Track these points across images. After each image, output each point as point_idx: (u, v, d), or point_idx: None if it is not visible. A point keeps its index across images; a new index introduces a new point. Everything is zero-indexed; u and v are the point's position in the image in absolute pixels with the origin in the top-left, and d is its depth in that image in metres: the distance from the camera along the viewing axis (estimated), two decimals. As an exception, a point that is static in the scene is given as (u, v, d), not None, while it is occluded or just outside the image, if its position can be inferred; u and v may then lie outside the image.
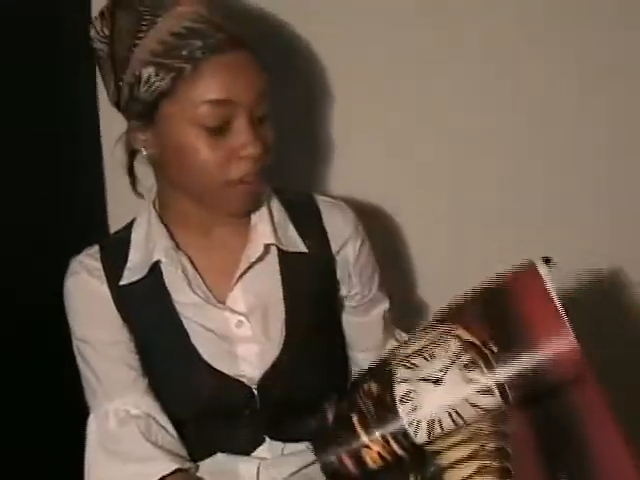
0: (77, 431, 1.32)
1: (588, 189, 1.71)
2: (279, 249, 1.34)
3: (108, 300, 1.31)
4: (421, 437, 1.05)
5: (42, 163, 1.58)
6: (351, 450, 1.08)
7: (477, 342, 1.04)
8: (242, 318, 1.32)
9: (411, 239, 1.76)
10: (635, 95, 1.67)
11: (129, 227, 1.38)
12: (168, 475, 1.25)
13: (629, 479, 1.01)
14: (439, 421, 1.04)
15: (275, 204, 1.37)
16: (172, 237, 1.33)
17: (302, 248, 1.35)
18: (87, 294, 1.32)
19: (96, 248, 1.35)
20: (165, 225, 1.34)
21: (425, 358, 1.06)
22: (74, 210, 1.62)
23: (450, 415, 1.04)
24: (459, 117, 1.68)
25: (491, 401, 1.03)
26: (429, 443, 1.05)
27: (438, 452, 1.07)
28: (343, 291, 1.42)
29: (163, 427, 1.30)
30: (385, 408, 1.06)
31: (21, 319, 1.53)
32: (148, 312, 1.32)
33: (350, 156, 1.68)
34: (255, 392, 1.30)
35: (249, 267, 1.32)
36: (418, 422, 1.05)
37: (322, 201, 1.41)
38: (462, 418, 1.04)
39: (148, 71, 1.19)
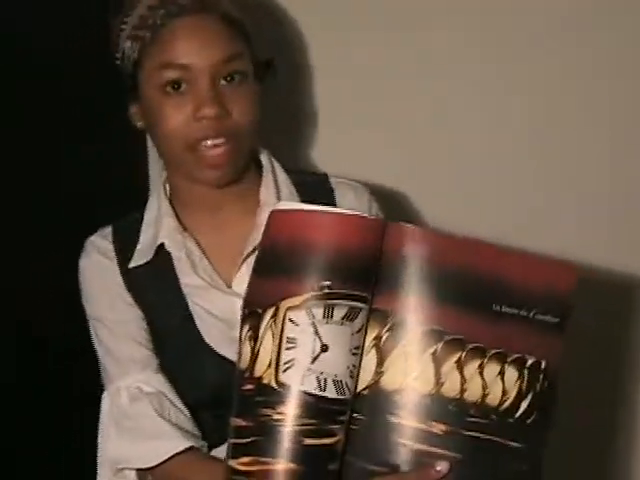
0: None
1: (589, 172, 1.70)
2: None
3: (119, 280, 1.32)
4: (352, 390, 1.08)
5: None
6: (332, 459, 1.08)
7: (308, 295, 1.05)
8: None
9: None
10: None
11: (144, 207, 1.37)
12: (181, 452, 1.25)
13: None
14: (353, 366, 1.08)
15: (285, 185, 1.36)
16: (179, 218, 1.34)
17: None
18: (98, 274, 1.33)
19: (109, 229, 1.36)
20: (173, 206, 1.34)
21: (290, 348, 1.06)
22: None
23: (354, 354, 1.07)
24: (457, 98, 1.67)
25: (364, 314, 1.07)
26: (356, 387, 1.09)
27: (375, 385, 1.09)
28: None
29: (175, 405, 1.30)
30: (318, 408, 1.06)
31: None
32: (156, 294, 1.32)
33: (350, 139, 1.65)
34: None
35: (254, 250, 1.27)
36: (346, 384, 1.07)
37: (336, 182, 1.39)
38: (358, 347, 1.08)
39: (127, 44, 1.26)
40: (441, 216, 1.64)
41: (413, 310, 1.09)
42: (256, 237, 1.28)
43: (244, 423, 1.08)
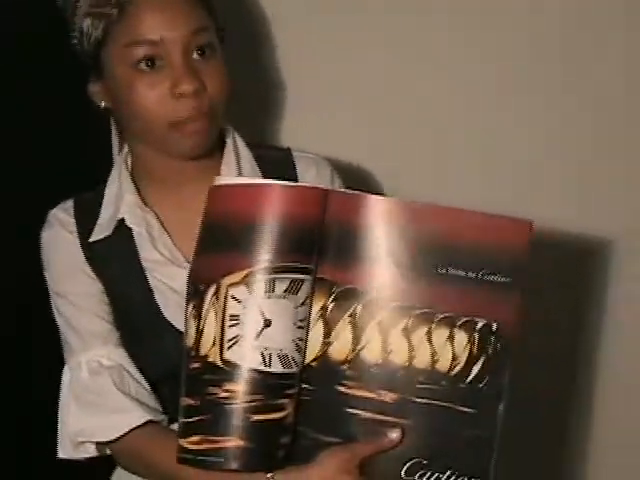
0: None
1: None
2: None
3: (79, 254, 1.31)
4: (299, 363, 1.08)
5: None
6: (282, 433, 1.08)
7: (250, 270, 1.04)
8: None
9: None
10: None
11: (105, 182, 1.36)
12: (140, 426, 1.25)
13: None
14: (298, 339, 1.07)
15: (247, 160, 1.34)
16: (140, 193, 1.32)
17: None
18: (60, 247, 1.32)
19: (71, 203, 1.35)
20: (134, 181, 1.33)
21: (233, 325, 1.05)
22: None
23: (299, 327, 1.06)
24: (429, 76, 1.65)
25: (307, 286, 1.06)
26: (304, 360, 1.08)
27: (323, 356, 1.08)
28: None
29: (136, 379, 1.30)
30: (264, 383, 1.05)
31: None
32: (117, 268, 1.31)
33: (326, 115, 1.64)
34: None
35: None
36: (292, 358, 1.06)
37: (299, 156, 1.37)
38: (303, 320, 1.07)
39: (87, 22, 1.22)
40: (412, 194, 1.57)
41: (358, 278, 1.07)
42: None
43: (192, 402, 1.07)
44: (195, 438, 1.07)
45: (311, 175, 1.35)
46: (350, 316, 1.07)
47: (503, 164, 1.67)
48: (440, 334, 1.05)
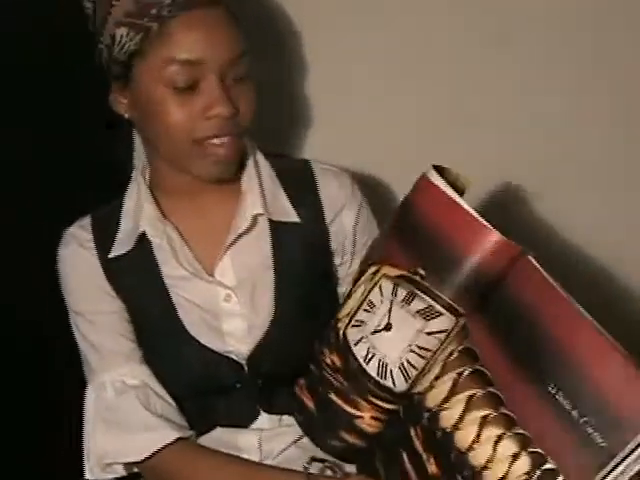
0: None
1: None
2: (270, 219, 1.28)
3: (99, 271, 1.28)
4: (400, 384, 1.04)
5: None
6: (347, 427, 1.09)
7: (404, 273, 1.03)
8: (230, 292, 1.27)
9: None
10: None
11: (122, 196, 1.33)
12: (170, 444, 1.22)
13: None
14: (408, 362, 1.03)
15: (267, 171, 1.31)
16: (159, 205, 1.29)
17: (294, 218, 1.28)
18: (78, 266, 1.29)
19: (88, 219, 1.32)
20: (153, 193, 1.30)
21: (366, 310, 1.06)
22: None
23: (414, 352, 1.02)
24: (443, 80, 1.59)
25: (444, 321, 1.00)
26: (411, 387, 1.04)
27: (423, 394, 1.03)
28: (337, 261, 1.34)
29: (161, 397, 1.27)
30: (355, 375, 1.07)
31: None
32: (138, 284, 1.28)
33: (347, 126, 1.57)
34: (245, 367, 1.25)
35: (237, 238, 1.27)
36: (390, 372, 1.04)
37: (318, 168, 1.34)
38: (426, 350, 1.02)
39: (121, 31, 1.17)
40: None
41: (488, 355, 0.97)
42: (239, 225, 1.24)
43: (315, 346, 1.15)
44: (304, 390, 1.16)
45: (332, 189, 1.31)
46: (458, 375, 0.99)
47: (503, 164, 1.60)
48: (508, 446, 0.93)
